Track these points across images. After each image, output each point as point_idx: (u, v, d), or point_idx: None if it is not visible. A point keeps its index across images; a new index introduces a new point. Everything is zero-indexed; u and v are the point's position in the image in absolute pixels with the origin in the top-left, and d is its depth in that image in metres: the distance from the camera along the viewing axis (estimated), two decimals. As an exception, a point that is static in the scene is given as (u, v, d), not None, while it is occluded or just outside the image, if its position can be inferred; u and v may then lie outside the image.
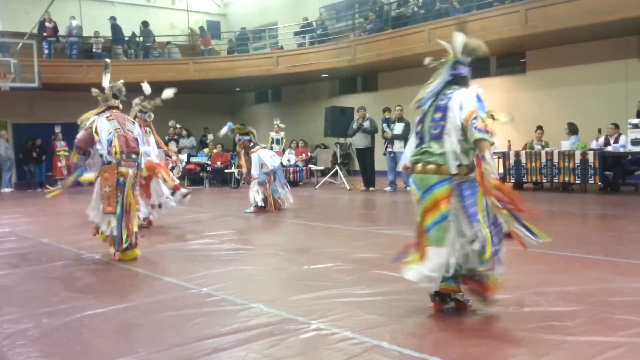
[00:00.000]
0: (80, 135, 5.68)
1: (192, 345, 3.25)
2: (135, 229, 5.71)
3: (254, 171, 9.30)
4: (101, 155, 5.54)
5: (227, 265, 5.39)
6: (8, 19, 17.57)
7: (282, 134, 16.26)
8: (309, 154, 16.48)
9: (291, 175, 15.07)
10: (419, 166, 3.62)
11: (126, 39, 18.49)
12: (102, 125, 5.59)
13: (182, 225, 7.98)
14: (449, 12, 13.89)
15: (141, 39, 18.72)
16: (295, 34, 18.51)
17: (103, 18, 18.72)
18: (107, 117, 5.71)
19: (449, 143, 3.53)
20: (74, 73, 16.82)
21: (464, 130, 3.50)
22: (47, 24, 16.99)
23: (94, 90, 6.01)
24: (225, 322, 3.63)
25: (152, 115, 7.89)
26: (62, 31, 17.77)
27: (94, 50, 17.72)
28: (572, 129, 11.60)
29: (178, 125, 17.87)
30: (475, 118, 3.46)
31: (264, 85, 20.88)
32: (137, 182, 5.84)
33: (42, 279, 5.16)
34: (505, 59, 15.08)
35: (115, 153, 5.51)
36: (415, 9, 15.42)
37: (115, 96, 5.92)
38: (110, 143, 5.52)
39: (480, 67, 15.62)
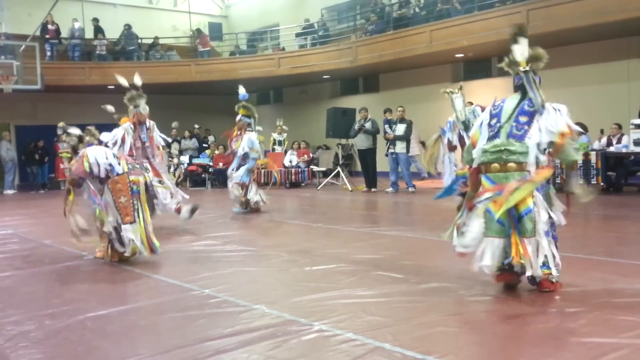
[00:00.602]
0: (76, 170, 5.61)
1: (194, 347, 3.25)
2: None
3: (241, 151, 9.22)
4: (112, 169, 5.55)
5: (230, 267, 5.40)
6: (11, 21, 17.57)
7: (285, 135, 16.28)
8: (311, 155, 16.48)
9: (293, 177, 15.08)
10: (496, 166, 3.97)
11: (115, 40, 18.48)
12: (95, 152, 5.61)
13: (184, 227, 7.99)
14: (450, 13, 13.88)
15: (142, 40, 18.73)
16: (297, 35, 18.54)
17: (106, 20, 18.75)
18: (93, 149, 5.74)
19: (533, 146, 3.94)
20: (77, 75, 16.86)
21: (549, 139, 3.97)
22: (49, 26, 17.04)
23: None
24: (227, 324, 3.64)
25: (147, 108, 7.66)
26: (64, 33, 17.81)
27: (97, 52, 17.77)
28: (582, 128, 11.57)
29: (196, 126, 17.80)
30: (572, 139, 3.99)
31: (265, 86, 20.89)
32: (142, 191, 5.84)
33: (45, 281, 5.17)
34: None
35: (124, 164, 5.65)
36: (417, 10, 15.43)
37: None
38: (113, 159, 5.62)
39: (482, 67, 15.65)
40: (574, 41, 12.68)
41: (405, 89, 16.19)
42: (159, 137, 7.97)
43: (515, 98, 4.18)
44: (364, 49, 15.39)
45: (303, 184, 15.22)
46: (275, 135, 16.25)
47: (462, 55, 14.54)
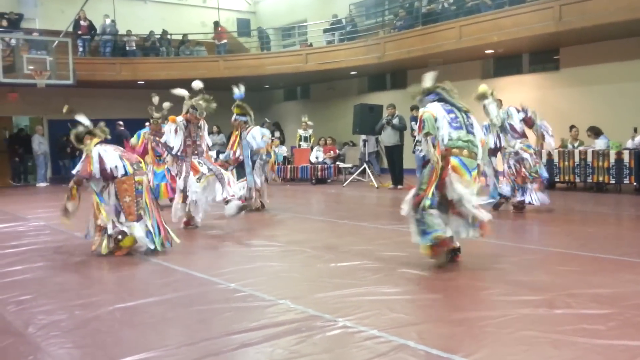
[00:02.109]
0: (81, 169, 5.73)
1: (220, 340, 3.28)
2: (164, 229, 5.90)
3: (247, 150, 9.01)
4: (116, 169, 5.69)
5: (255, 262, 5.43)
6: (44, 18, 17.93)
7: (310, 131, 16.28)
8: (337, 151, 16.47)
9: (319, 173, 15.09)
10: (467, 152, 4.98)
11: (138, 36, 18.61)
12: (105, 153, 5.74)
13: (209, 222, 8.05)
14: (480, 8, 13.71)
15: (171, 37, 18.92)
16: (325, 31, 18.51)
17: (136, 16, 18.97)
18: (103, 148, 5.84)
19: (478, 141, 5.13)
20: (108, 70, 17.11)
21: None
22: (82, 22, 17.30)
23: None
24: (252, 318, 3.66)
25: (204, 113, 7.52)
26: (97, 29, 18.08)
27: (127, 48, 18.00)
28: (596, 132, 11.37)
29: (267, 120, 17.58)
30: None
31: (293, 82, 20.92)
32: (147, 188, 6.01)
33: (75, 272, 5.26)
34: (538, 56, 14.84)
35: (131, 164, 5.80)
36: (446, 5, 15.27)
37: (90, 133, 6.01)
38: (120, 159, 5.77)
39: (513, 64, 15.44)
40: (607, 37, 12.42)
41: (433, 86, 16.04)
42: (207, 137, 7.93)
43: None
44: (392, 44, 15.29)
45: (329, 180, 15.22)
46: (300, 132, 16.25)
47: (492, 51, 14.36)
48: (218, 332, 3.42)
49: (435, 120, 5.04)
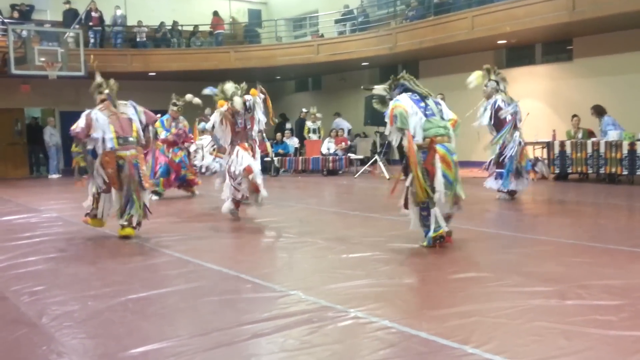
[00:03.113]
0: (78, 127, 6.05)
1: (231, 330, 3.30)
2: (139, 210, 6.17)
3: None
4: (103, 141, 5.98)
5: (267, 253, 5.45)
6: (56, 9, 17.99)
7: (319, 123, 16.26)
8: (349, 142, 16.45)
9: (330, 164, 15.09)
10: (447, 137, 5.25)
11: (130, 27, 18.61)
12: (97, 116, 6.06)
13: (220, 213, 8.08)
14: (492, -1, 13.60)
15: (182, 27, 18.93)
16: (336, 21, 18.44)
17: (147, 7, 18.98)
18: (100, 108, 6.19)
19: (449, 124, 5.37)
20: (119, 62, 17.13)
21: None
22: (93, 14, 17.34)
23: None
24: (264, 309, 3.68)
25: (239, 101, 7.15)
26: (107, 21, 18.12)
27: (137, 39, 18.03)
28: (599, 111, 11.28)
29: (304, 110, 17.41)
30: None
31: (304, 73, 20.88)
32: (141, 163, 6.20)
33: (88, 263, 5.31)
34: (551, 46, 14.72)
35: (117, 137, 6.01)
36: (459, -5, 15.16)
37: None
38: (108, 128, 6.03)
39: (526, 54, 15.31)
40: (621, 27, 12.28)
41: (445, 76, 15.93)
42: (261, 116, 7.43)
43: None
44: (404, 35, 15.21)
45: (340, 172, 15.22)
46: (309, 124, 16.24)
47: (504, 41, 14.24)
48: (230, 322, 3.44)
49: (408, 114, 5.20)
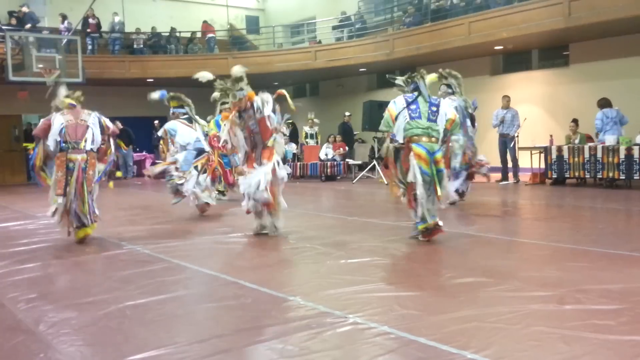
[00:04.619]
0: (38, 126, 6.49)
1: (230, 337, 3.29)
2: (85, 210, 6.31)
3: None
4: (57, 142, 6.25)
5: (265, 259, 5.44)
6: (53, 16, 18.01)
7: (316, 128, 16.27)
8: (347, 148, 16.46)
9: (329, 170, 15.09)
10: (426, 138, 5.63)
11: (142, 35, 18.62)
12: (55, 119, 6.37)
13: (220, 218, 8.07)
14: (489, 5, 13.66)
15: (180, 34, 18.96)
16: (334, 28, 18.49)
17: (145, 14, 19.02)
18: (62, 112, 6.48)
19: (441, 128, 5.79)
20: (117, 68, 17.16)
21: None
22: (90, 20, 17.37)
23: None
24: (263, 315, 3.67)
25: (241, 93, 6.45)
26: (105, 27, 18.14)
27: (135, 46, 18.05)
28: (604, 103, 11.27)
29: (347, 113, 16.85)
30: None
31: (301, 79, 20.92)
32: (89, 167, 6.40)
33: (86, 270, 5.29)
34: (548, 52, 14.78)
35: (66, 142, 6.24)
36: (455, 1, 15.22)
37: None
38: (61, 132, 6.26)
39: (522, 60, 15.36)
40: (617, 33, 12.35)
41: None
42: (269, 114, 6.52)
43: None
44: (401, 41, 15.26)
45: (339, 177, 15.22)
46: (306, 129, 16.26)
47: (501, 47, 14.30)
48: (229, 329, 3.43)
49: (396, 118, 5.73)
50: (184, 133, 8.50)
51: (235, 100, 6.37)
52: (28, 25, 16.43)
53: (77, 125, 6.41)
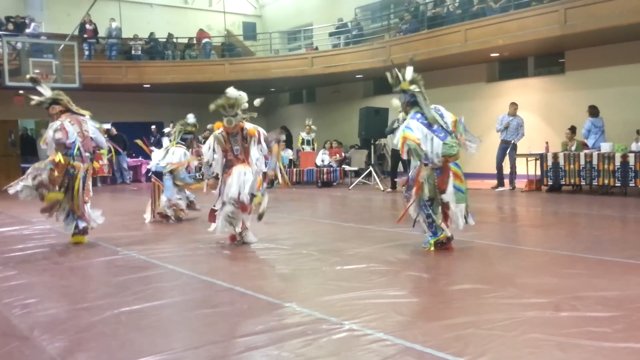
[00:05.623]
0: (59, 136, 6.36)
1: (225, 343, 3.28)
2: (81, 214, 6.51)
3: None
4: (67, 148, 6.34)
5: (261, 265, 5.43)
6: (50, 21, 18.03)
7: (313, 135, 16.29)
8: (343, 154, 16.48)
9: (325, 176, 15.10)
10: (458, 155, 5.51)
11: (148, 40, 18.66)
12: (69, 128, 6.41)
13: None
14: (485, 12, 13.71)
15: (177, 40, 18.99)
16: (330, 34, 18.54)
17: (142, 20, 19.04)
18: (70, 121, 6.48)
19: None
20: (113, 74, 17.17)
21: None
22: (87, 26, 17.39)
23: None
24: (258, 321, 3.66)
25: (232, 121, 6.17)
26: (102, 33, 18.16)
27: (132, 52, 18.06)
28: (592, 112, 11.36)
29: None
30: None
31: (298, 85, 20.96)
32: (88, 175, 6.60)
33: (81, 275, 5.28)
34: (544, 59, 14.84)
35: (77, 149, 6.37)
36: (451, 8, 15.29)
37: (55, 102, 6.62)
38: (74, 142, 6.40)
39: (518, 67, 15.42)
40: (613, 41, 12.41)
41: (439, 89, 16.02)
42: (258, 148, 6.33)
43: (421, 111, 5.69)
44: (398, 48, 15.29)
45: (335, 184, 15.22)
46: (303, 135, 16.28)
47: (497, 54, 14.36)
48: (224, 335, 3.42)
49: (420, 144, 5.45)
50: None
51: (229, 126, 6.14)
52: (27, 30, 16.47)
53: (84, 137, 6.54)
